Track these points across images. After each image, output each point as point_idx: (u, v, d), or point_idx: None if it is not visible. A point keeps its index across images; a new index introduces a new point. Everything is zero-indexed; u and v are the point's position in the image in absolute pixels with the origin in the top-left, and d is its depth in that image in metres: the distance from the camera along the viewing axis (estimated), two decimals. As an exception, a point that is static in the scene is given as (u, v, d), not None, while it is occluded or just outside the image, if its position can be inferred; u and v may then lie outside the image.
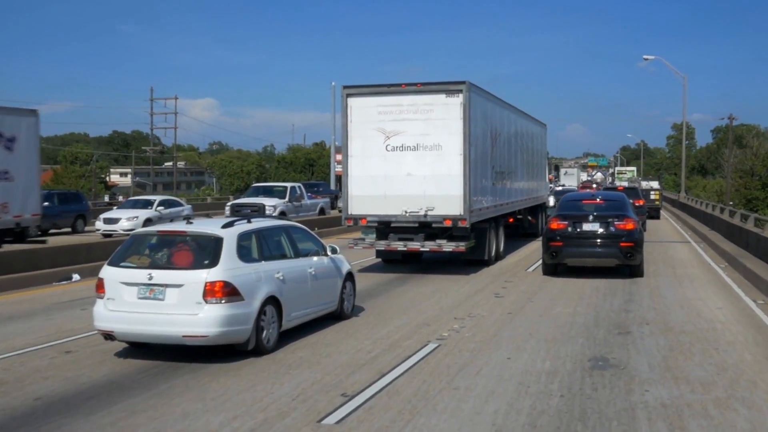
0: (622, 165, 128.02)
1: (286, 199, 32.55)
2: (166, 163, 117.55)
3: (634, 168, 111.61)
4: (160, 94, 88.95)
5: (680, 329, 10.86)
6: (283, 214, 29.92)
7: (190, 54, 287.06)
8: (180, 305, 9.37)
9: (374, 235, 18.79)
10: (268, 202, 31.31)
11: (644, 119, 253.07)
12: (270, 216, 14.37)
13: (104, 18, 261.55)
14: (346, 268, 12.66)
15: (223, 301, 9.31)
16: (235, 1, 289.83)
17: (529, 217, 28.56)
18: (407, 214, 17.78)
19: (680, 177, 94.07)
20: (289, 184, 34.81)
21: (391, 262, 20.39)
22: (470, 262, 19.58)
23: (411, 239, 18.11)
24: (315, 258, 11.76)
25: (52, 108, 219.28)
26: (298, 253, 11.39)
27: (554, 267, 17.33)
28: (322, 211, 36.24)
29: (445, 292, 14.79)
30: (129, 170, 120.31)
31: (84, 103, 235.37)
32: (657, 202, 42.88)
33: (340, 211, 22.37)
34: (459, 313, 12.30)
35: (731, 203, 56.28)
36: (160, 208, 30.32)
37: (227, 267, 9.58)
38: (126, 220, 28.50)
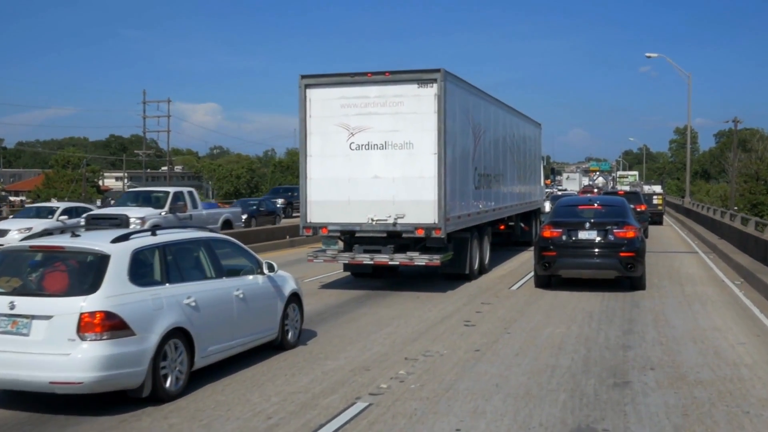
0: (624, 169, 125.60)
1: (166, 208, 24.01)
2: (163, 168, 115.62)
3: (636, 172, 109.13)
4: (162, 98, 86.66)
5: (695, 377, 8.33)
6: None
7: (192, 58, 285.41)
8: (48, 342, 7.24)
9: (336, 246, 16.39)
10: (136, 212, 23.30)
11: (646, 124, 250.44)
12: (185, 227, 11.83)
13: (106, 22, 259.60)
14: (289, 288, 10.50)
15: (104, 337, 7.21)
16: (236, 6, 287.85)
17: (522, 224, 26.15)
18: (374, 223, 15.37)
19: (683, 181, 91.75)
20: (172, 189, 25.70)
21: (361, 275, 17.98)
22: (449, 276, 17.17)
23: (378, 251, 15.69)
24: (246, 277, 9.62)
25: (55, 113, 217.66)
26: (221, 272, 9.19)
27: (547, 279, 15.61)
28: (227, 225, 27.32)
29: (407, 317, 12.32)
30: (124, 174, 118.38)
31: (85, 107, 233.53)
32: (660, 207, 40.78)
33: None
34: (413, 350, 9.79)
35: (736, 208, 53.96)
36: (63, 217, 25.50)
37: (112, 292, 7.45)
38: (17, 231, 23.76)
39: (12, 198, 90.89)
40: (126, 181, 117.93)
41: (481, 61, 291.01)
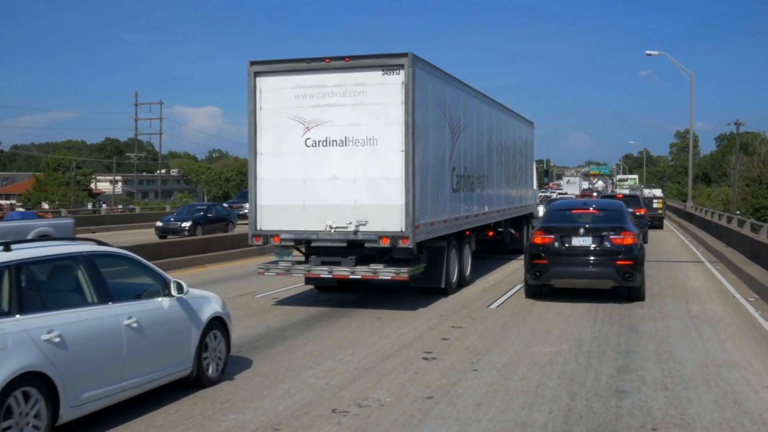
0: (624, 173, 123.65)
1: None
2: (161, 171, 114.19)
3: (635, 176, 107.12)
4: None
5: (712, 445, 6.24)
6: None
7: (192, 62, 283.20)
8: None
9: (291, 257, 14.32)
10: None
11: (647, 128, 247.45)
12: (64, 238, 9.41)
13: (107, 26, 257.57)
14: (210, 312, 8.51)
15: None
16: (236, 11, 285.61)
17: (512, 231, 24.05)
18: (332, 230, 13.33)
19: (683, 185, 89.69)
20: None
21: (326, 289, 15.93)
22: (424, 290, 15.11)
23: (338, 263, 13.64)
24: (145, 301, 7.71)
25: (55, 116, 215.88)
26: (107, 297, 7.17)
27: (539, 289, 14.48)
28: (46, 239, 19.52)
29: (357, 345, 10.19)
30: (118, 177, 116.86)
31: (84, 110, 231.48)
32: (660, 211, 39.06)
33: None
34: (347, 397, 7.63)
35: (738, 212, 52.06)
36: None
37: None
38: None
39: (2, 202, 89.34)
40: (119, 184, 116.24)
41: (481, 66, 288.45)
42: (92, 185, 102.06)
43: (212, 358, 8.57)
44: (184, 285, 8.16)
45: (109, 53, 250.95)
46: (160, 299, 7.97)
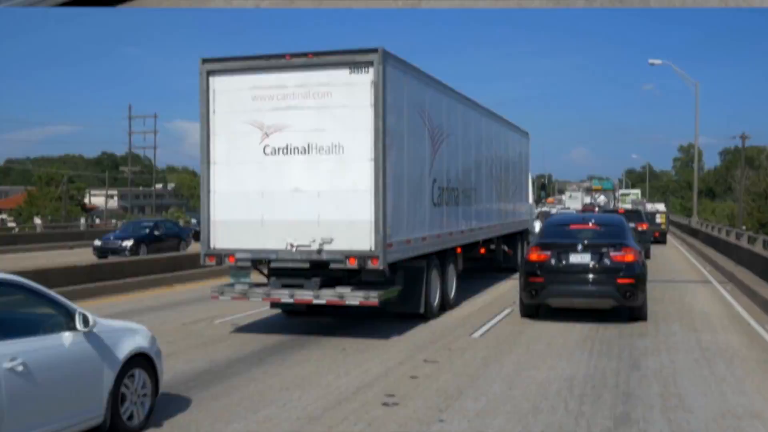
0: (627, 188, 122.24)
1: None
2: (159, 185, 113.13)
3: (638, 190, 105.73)
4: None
5: None
6: None
7: (192, 76, 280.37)
8: None
9: (249, 279, 12.77)
10: None
11: (649, 142, 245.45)
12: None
13: (106, 40, 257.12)
14: (129, 348, 7.08)
15: None
16: (237, 24, 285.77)
17: (505, 248, 22.49)
18: (294, 249, 11.79)
19: (687, 200, 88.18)
20: None
21: (296, 313, 14.35)
22: (403, 315, 13.55)
23: (300, 286, 12.11)
24: (39, 339, 6.35)
25: (53, 130, 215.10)
26: None
27: (535, 308, 13.74)
28: None
29: (308, 386, 8.57)
30: (114, 192, 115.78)
31: (83, 124, 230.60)
32: (663, 226, 37.96)
33: None
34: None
35: (744, 227, 50.58)
36: None
37: None
38: None
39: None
40: (114, 198, 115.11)
41: (483, 80, 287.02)
42: (86, 200, 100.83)
43: (132, 404, 7.15)
44: (91, 317, 6.68)
45: (108, 67, 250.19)
46: (60, 334, 6.56)
